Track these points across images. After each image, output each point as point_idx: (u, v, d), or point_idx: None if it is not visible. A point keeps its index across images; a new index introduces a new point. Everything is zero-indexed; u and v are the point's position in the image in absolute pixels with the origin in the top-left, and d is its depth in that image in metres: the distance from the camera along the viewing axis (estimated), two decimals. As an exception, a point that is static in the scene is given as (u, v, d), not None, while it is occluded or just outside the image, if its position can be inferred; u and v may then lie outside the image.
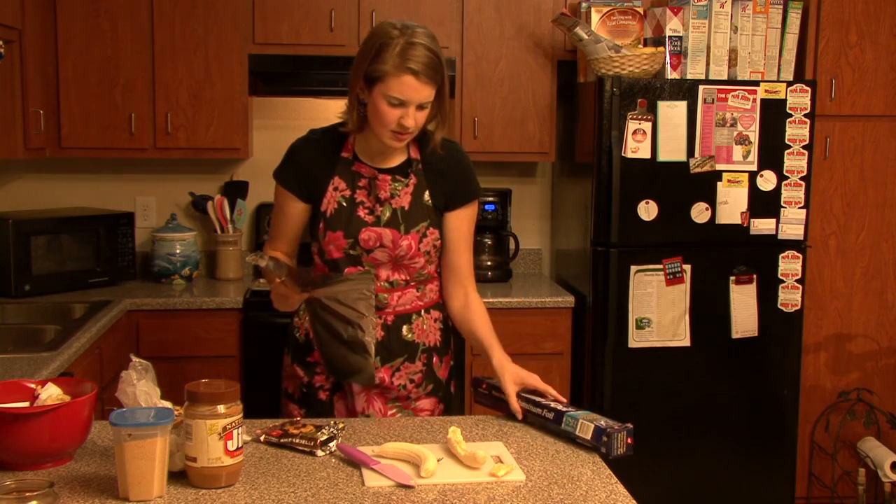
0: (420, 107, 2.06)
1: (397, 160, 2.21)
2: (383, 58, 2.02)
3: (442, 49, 2.11)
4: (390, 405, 2.25)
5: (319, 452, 1.83)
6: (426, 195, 2.20)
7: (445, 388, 2.34)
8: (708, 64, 3.52)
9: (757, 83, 3.47)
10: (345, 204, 2.18)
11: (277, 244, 2.29)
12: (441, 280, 2.30)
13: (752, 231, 3.50)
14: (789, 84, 3.48)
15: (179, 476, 1.67)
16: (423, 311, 2.26)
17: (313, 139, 2.25)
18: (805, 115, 3.49)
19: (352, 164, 2.20)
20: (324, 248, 2.20)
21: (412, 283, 2.23)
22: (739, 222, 3.49)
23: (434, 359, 2.29)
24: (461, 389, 3.26)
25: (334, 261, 2.20)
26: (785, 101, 3.48)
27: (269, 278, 2.13)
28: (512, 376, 2.11)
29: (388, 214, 2.17)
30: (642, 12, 3.60)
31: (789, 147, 3.50)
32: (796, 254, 3.55)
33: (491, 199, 3.92)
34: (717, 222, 3.47)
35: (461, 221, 2.23)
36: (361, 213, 2.17)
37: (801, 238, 3.54)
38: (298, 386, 2.30)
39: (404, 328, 2.23)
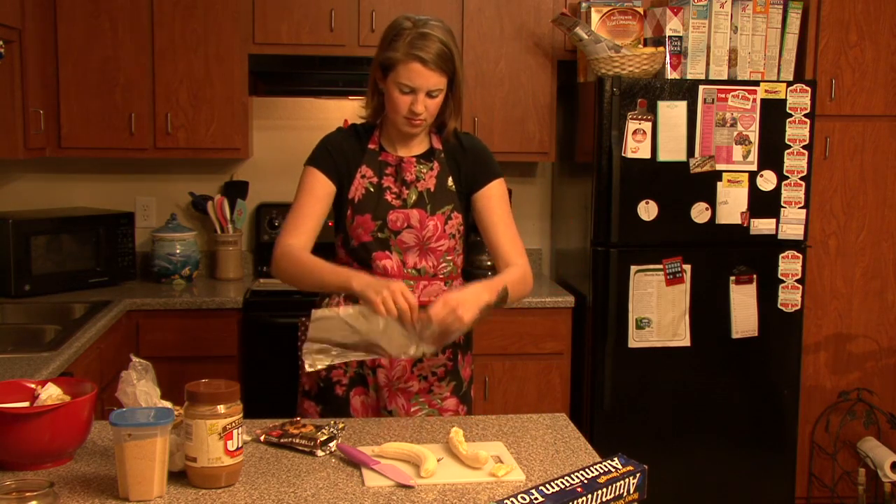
0: (430, 94, 2.15)
1: (420, 148, 2.29)
2: (395, 46, 2.13)
3: None
4: (414, 402, 2.25)
5: (319, 452, 1.83)
6: (449, 180, 2.28)
7: (467, 390, 2.34)
8: (708, 64, 3.51)
9: (757, 83, 3.47)
10: (372, 189, 2.24)
11: (296, 234, 2.21)
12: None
13: (752, 231, 3.50)
14: (789, 84, 3.48)
15: (179, 476, 1.67)
16: None
17: (343, 132, 2.34)
18: (805, 115, 3.49)
19: (378, 155, 2.28)
20: (351, 234, 2.22)
21: (440, 276, 2.26)
22: (739, 222, 3.49)
23: (459, 356, 2.32)
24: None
25: (364, 245, 2.21)
26: (785, 101, 3.48)
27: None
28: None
29: (414, 197, 2.24)
30: (642, 12, 3.60)
31: (789, 147, 3.50)
32: (796, 254, 3.55)
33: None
34: (717, 222, 3.47)
35: (488, 200, 2.29)
36: (389, 196, 2.24)
37: (801, 238, 3.54)
38: (316, 381, 2.29)
39: None
